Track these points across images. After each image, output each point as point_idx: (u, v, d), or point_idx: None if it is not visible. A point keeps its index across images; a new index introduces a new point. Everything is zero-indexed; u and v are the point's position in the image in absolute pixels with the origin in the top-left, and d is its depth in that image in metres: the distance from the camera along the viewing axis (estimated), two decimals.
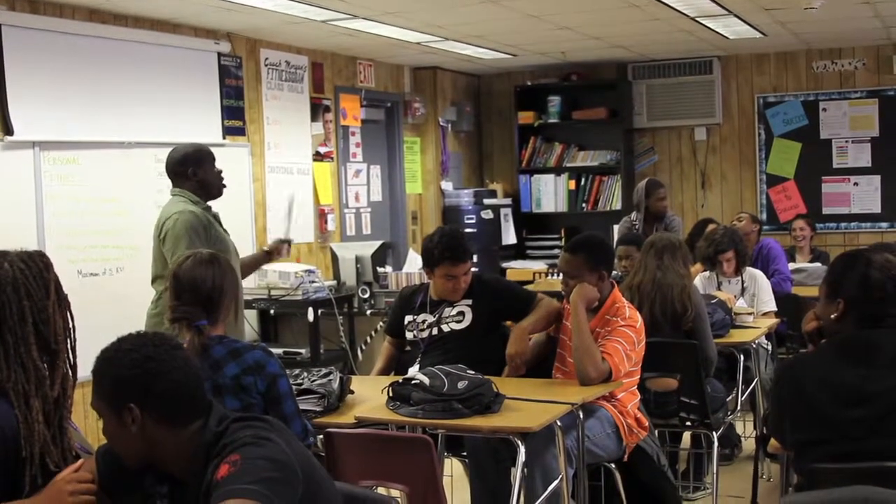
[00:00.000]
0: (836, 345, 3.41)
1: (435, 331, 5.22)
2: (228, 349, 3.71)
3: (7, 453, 2.69)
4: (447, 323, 5.21)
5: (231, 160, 8.12)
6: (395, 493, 3.94)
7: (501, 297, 5.28)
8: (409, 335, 5.32)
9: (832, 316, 3.43)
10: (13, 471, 2.70)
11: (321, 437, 3.97)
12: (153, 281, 5.72)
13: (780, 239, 9.11)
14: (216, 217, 5.79)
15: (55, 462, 2.75)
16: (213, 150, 5.86)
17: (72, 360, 2.89)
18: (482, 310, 5.21)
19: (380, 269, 8.12)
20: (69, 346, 2.89)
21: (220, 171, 5.83)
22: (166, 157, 5.81)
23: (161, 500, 2.64)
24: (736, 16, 8.50)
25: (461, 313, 5.21)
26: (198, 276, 3.73)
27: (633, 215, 8.81)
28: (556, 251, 10.81)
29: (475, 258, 10.34)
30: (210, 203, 5.80)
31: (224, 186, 5.86)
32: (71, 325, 2.91)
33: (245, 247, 8.13)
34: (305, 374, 4.39)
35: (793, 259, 9.15)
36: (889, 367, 3.24)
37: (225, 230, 5.82)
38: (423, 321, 5.27)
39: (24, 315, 2.78)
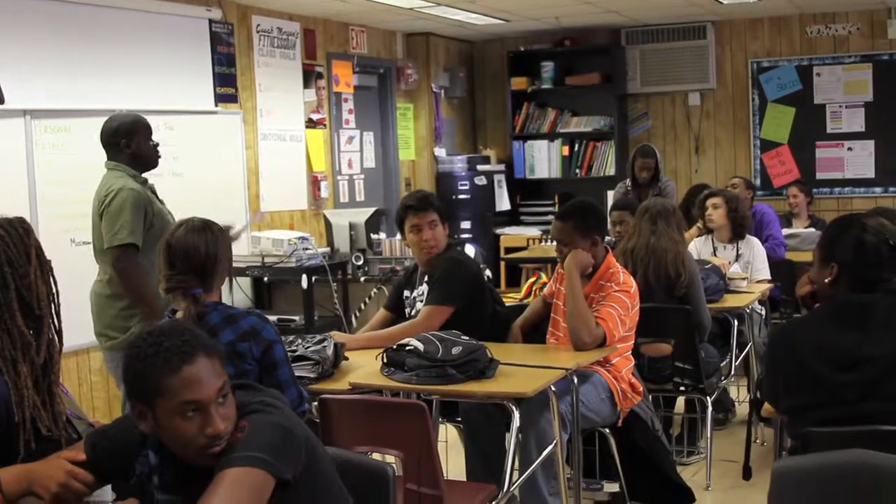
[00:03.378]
0: (830, 309, 3.42)
1: (413, 310, 5.21)
2: (223, 315, 3.70)
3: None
4: (420, 301, 5.17)
5: (223, 127, 8.11)
6: (389, 458, 3.95)
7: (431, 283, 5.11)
8: (406, 311, 5.30)
9: (826, 280, 3.43)
10: (6, 435, 2.70)
11: (316, 403, 3.97)
12: (98, 256, 5.45)
13: (774, 204, 9.10)
14: (153, 190, 5.50)
15: (47, 426, 2.75)
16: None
17: (57, 325, 2.88)
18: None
19: (373, 236, 8.11)
20: (53, 311, 2.87)
21: (157, 144, 5.54)
22: (101, 126, 5.52)
23: (153, 487, 2.58)
24: None
25: (423, 293, 5.15)
26: (191, 243, 3.71)
27: (628, 181, 8.85)
28: (549, 217, 10.76)
29: (469, 225, 10.41)
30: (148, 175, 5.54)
31: (159, 157, 5.57)
32: (55, 291, 2.89)
33: (238, 215, 8.13)
34: (300, 340, 4.38)
35: (790, 225, 9.16)
36: (883, 331, 3.24)
37: (162, 202, 5.55)
38: (413, 297, 5.25)
39: (6, 282, 2.77)
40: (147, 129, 5.48)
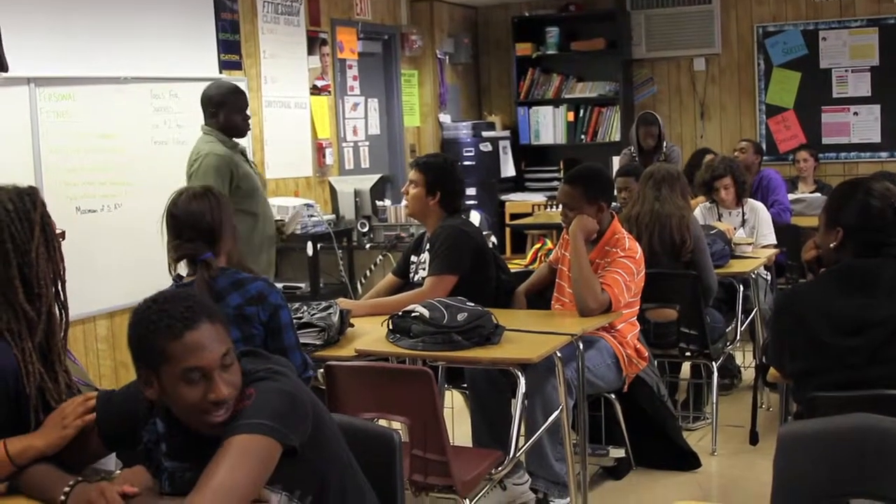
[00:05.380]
0: (835, 274, 3.42)
1: (417, 276, 5.21)
2: (231, 280, 3.72)
3: (8, 390, 2.69)
4: (423, 268, 5.18)
5: None
6: (396, 425, 3.96)
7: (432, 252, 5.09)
8: (411, 276, 5.30)
9: (831, 245, 3.43)
10: (16, 407, 2.70)
11: (322, 370, 3.98)
12: None
13: (780, 169, 9.09)
14: (244, 153, 6.07)
15: (56, 399, 2.74)
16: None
17: (63, 297, 2.85)
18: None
19: (378, 203, 8.11)
20: (60, 287, 2.83)
21: (248, 116, 6.05)
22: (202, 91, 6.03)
23: (160, 454, 2.57)
24: None
25: (426, 261, 5.15)
26: (195, 210, 3.72)
27: (633, 147, 8.83)
28: (555, 183, 10.79)
29: (474, 191, 10.39)
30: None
31: (248, 128, 6.10)
32: (60, 267, 2.85)
33: None
34: (305, 307, 4.38)
35: (795, 189, 9.14)
36: (887, 296, 3.25)
37: (252, 164, 6.09)
38: (417, 263, 5.25)
39: (8, 258, 2.73)
40: (236, 101, 6.01)
